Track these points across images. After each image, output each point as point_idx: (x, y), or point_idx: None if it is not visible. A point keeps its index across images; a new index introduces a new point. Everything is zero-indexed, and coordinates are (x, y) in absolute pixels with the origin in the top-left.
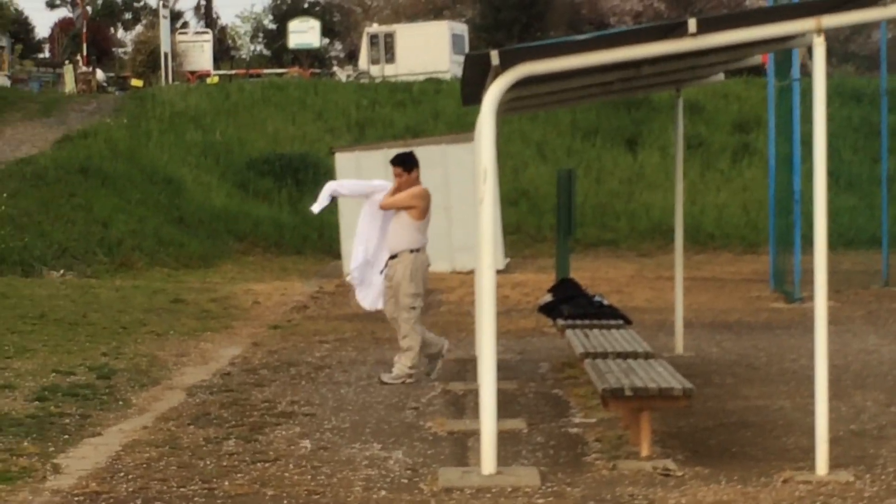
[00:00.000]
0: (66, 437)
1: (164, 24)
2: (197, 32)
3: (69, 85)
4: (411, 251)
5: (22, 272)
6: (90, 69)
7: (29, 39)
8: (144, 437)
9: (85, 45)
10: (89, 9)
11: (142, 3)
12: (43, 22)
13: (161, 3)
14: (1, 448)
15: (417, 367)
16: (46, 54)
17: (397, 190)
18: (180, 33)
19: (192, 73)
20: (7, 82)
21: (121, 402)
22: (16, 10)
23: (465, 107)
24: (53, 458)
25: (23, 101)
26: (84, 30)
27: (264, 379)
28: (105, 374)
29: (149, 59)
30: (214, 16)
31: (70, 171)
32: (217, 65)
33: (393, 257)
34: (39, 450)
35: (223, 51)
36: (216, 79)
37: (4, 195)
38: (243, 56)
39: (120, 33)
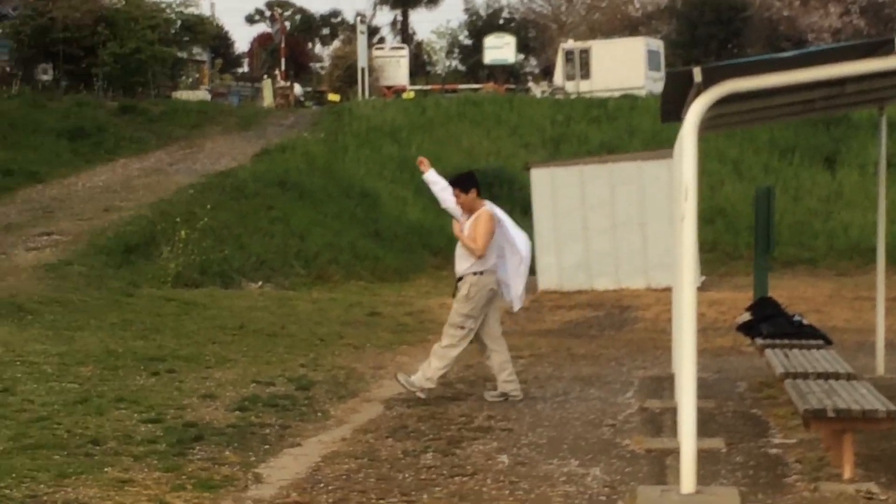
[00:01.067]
0: (267, 447)
1: (362, 40)
2: (393, 48)
3: (267, 99)
4: (475, 274)
5: (222, 283)
6: (288, 84)
7: (229, 54)
8: (343, 448)
9: (283, 60)
10: (287, 24)
11: (339, 19)
12: (242, 37)
13: (359, 18)
14: (204, 457)
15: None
16: (245, 69)
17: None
18: (377, 49)
19: (388, 88)
20: (208, 96)
21: (319, 414)
22: (217, 25)
23: (663, 123)
24: (254, 468)
25: (222, 115)
26: (282, 45)
27: (460, 393)
28: (304, 385)
29: (345, 73)
30: (410, 31)
31: (268, 184)
32: (412, 80)
33: (459, 279)
34: (241, 459)
35: (419, 66)
36: (412, 94)
37: (208, 207)
38: (438, 71)
39: (317, 48)
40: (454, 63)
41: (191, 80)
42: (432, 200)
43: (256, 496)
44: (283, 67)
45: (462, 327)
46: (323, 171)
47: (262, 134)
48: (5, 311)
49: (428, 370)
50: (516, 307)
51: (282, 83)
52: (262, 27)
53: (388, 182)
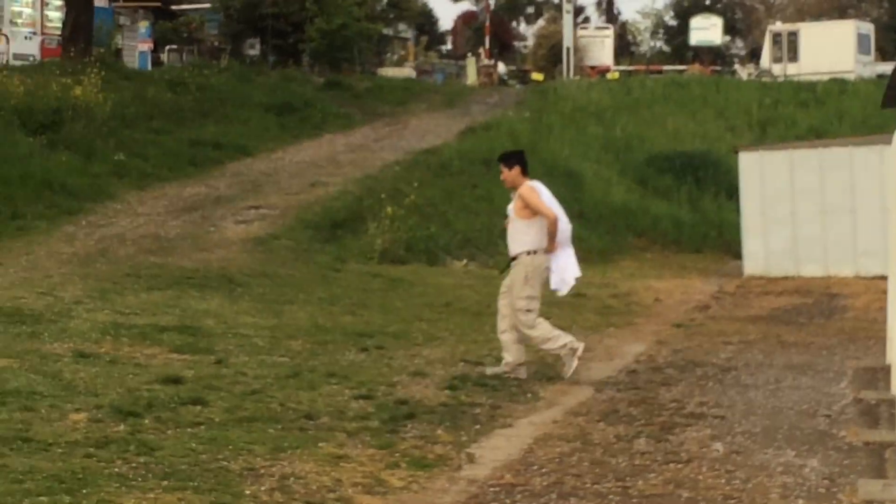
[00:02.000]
0: (478, 426)
1: (567, 19)
2: (598, 28)
3: (471, 77)
4: (528, 253)
5: (427, 260)
6: (492, 62)
7: (433, 32)
8: (555, 431)
9: (487, 39)
10: (492, 2)
11: None
12: (446, 15)
13: None
14: (416, 435)
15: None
16: (449, 46)
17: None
18: (581, 28)
19: (593, 68)
20: (413, 74)
21: (529, 395)
22: (422, 2)
23: (884, 109)
24: (467, 448)
25: (427, 93)
26: (487, 23)
27: (671, 378)
28: None
29: (550, 53)
30: (615, 11)
31: (473, 162)
32: (616, 60)
33: (513, 259)
34: (453, 438)
35: (623, 46)
36: (616, 74)
37: (414, 184)
38: (643, 52)
39: (522, 27)
40: (659, 44)
41: (396, 56)
42: (636, 182)
43: (470, 476)
44: (487, 45)
45: (529, 310)
46: (527, 150)
47: (466, 112)
48: (216, 283)
49: (551, 347)
50: (563, 291)
51: (486, 61)
52: (467, 5)
53: (592, 162)
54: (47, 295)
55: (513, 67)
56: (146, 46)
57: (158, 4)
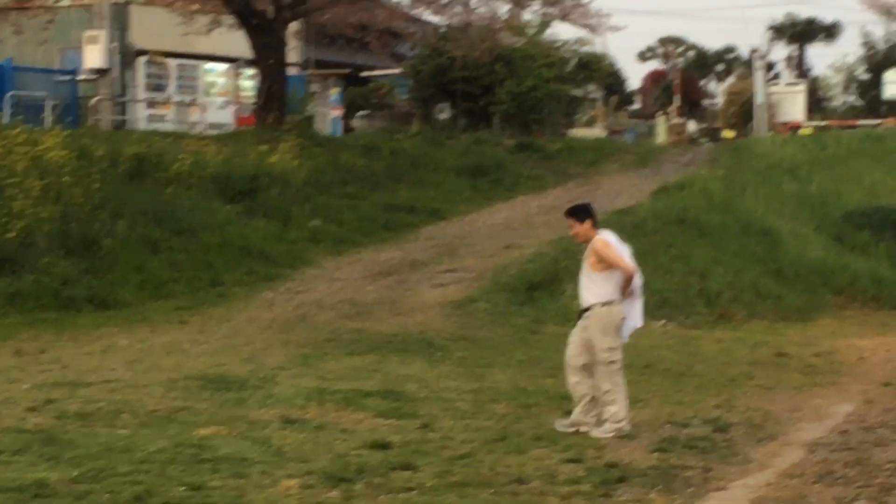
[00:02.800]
0: (691, 489)
1: (759, 76)
2: (789, 83)
3: (661, 136)
4: (602, 304)
5: None
6: (683, 120)
7: (621, 91)
8: (770, 493)
9: (677, 97)
10: (681, 60)
11: (733, 55)
12: (635, 74)
13: (756, 54)
14: (630, 499)
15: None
16: (637, 105)
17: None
18: (772, 84)
19: (784, 124)
20: (603, 134)
21: (740, 457)
22: (610, 63)
23: None
24: None
25: (618, 153)
26: (676, 81)
27: (884, 438)
28: (720, 426)
29: (741, 110)
30: (806, 67)
31: (667, 221)
32: (808, 116)
33: (586, 310)
34: (667, 502)
35: (815, 102)
36: (809, 130)
37: None
38: (834, 107)
39: (711, 85)
40: (851, 98)
41: (585, 117)
42: (833, 238)
43: None
44: (676, 104)
45: (612, 361)
46: (722, 208)
47: (658, 171)
48: (416, 347)
49: (614, 413)
50: (625, 338)
51: (676, 120)
52: (655, 64)
53: (787, 220)
54: (250, 361)
55: (703, 125)
56: (337, 113)
57: (349, 71)
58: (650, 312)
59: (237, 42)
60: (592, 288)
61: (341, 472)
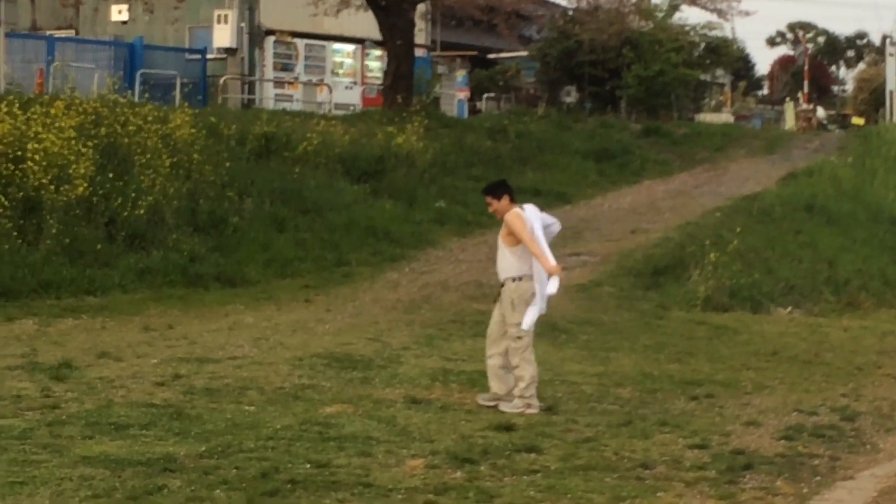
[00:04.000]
0: (818, 478)
1: (891, 62)
2: None
3: (790, 122)
4: (513, 279)
5: (750, 308)
6: (811, 106)
7: (749, 76)
8: None
9: (806, 83)
10: (811, 46)
11: (865, 41)
12: (763, 59)
13: (888, 40)
14: (755, 486)
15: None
16: (765, 91)
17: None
18: None
19: None
20: (731, 119)
21: (868, 446)
22: (739, 48)
23: None
24: (809, 500)
25: (746, 138)
26: (806, 67)
27: None
28: (848, 415)
29: (871, 97)
30: None
31: (795, 208)
32: None
33: (502, 285)
34: (794, 490)
35: None
36: None
37: (736, 230)
38: None
39: (841, 71)
40: None
41: (713, 102)
42: None
43: None
44: (805, 90)
45: (520, 337)
46: (851, 195)
47: (786, 157)
48: (541, 330)
49: (522, 389)
50: (528, 323)
51: (804, 106)
52: (784, 49)
53: None
54: (375, 341)
55: (832, 112)
56: (463, 94)
57: (475, 53)
58: (776, 300)
59: (365, 23)
60: (503, 262)
61: (466, 452)
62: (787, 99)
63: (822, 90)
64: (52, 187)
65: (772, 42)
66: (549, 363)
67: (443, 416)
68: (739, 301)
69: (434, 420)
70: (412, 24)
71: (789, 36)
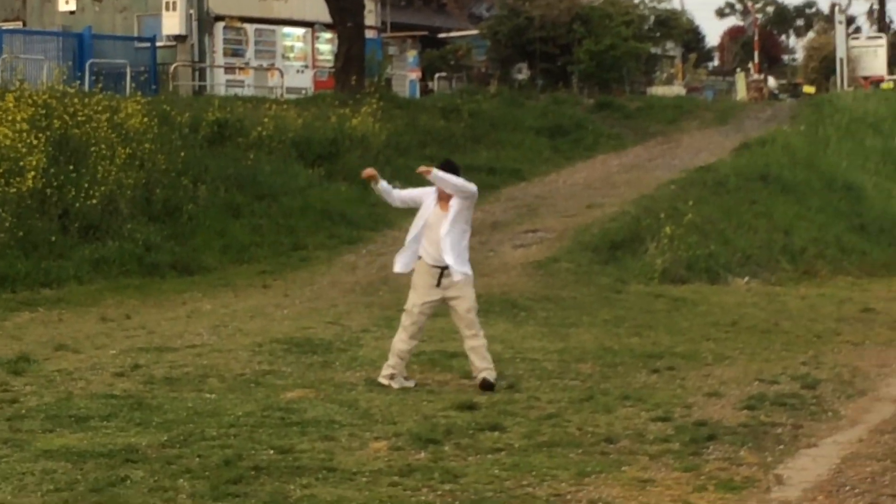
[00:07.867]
0: (782, 447)
1: (840, 30)
2: (870, 37)
3: (741, 92)
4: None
5: (708, 279)
6: (762, 76)
7: (700, 49)
8: (863, 450)
9: (756, 53)
10: (760, 16)
11: (814, 10)
12: (713, 31)
13: (836, 8)
14: (719, 456)
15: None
16: (715, 62)
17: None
18: (853, 38)
19: (866, 78)
20: (683, 91)
21: (829, 413)
22: (688, 20)
23: None
24: (773, 469)
25: (698, 110)
26: (755, 37)
27: None
28: (809, 383)
29: (821, 65)
30: (888, 20)
31: (749, 178)
32: (890, 70)
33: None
34: (758, 459)
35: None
36: (891, 84)
37: (690, 202)
38: None
39: (791, 40)
40: None
41: (664, 75)
42: None
43: (781, 498)
44: (756, 60)
45: (405, 309)
46: (804, 164)
47: (739, 128)
48: (500, 308)
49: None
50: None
51: (755, 76)
52: (733, 20)
53: (871, 174)
54: (335, 324)
55: (783, 81)
56: (415, 75)
57: (425, 33)
58: (733, 270)
59: (314, 6)
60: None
61: (429, 433)
62: (738, 70)
63: (772, 60)
64: (3, 180)
65: (721, 13)
66: (509, 340)
67: (405, 398)
68: (697, 273)
69: (396, 402)
70: (362, 6)
71: (738, 6)
